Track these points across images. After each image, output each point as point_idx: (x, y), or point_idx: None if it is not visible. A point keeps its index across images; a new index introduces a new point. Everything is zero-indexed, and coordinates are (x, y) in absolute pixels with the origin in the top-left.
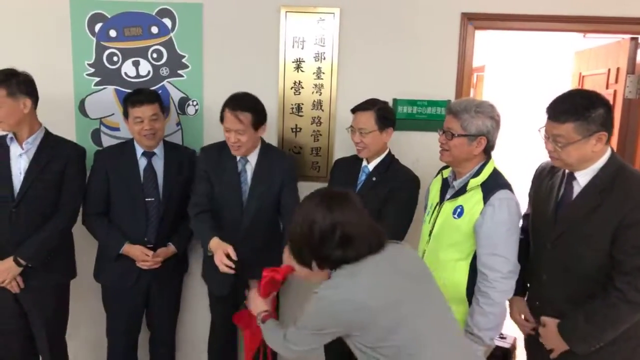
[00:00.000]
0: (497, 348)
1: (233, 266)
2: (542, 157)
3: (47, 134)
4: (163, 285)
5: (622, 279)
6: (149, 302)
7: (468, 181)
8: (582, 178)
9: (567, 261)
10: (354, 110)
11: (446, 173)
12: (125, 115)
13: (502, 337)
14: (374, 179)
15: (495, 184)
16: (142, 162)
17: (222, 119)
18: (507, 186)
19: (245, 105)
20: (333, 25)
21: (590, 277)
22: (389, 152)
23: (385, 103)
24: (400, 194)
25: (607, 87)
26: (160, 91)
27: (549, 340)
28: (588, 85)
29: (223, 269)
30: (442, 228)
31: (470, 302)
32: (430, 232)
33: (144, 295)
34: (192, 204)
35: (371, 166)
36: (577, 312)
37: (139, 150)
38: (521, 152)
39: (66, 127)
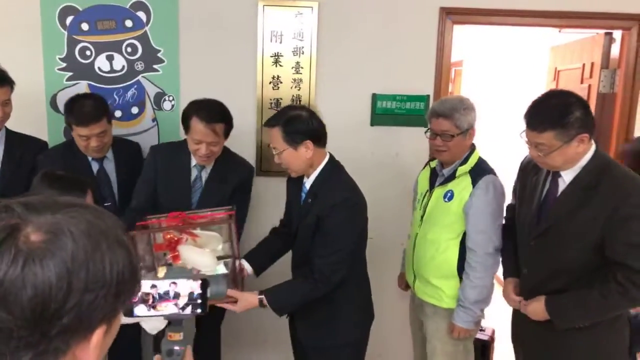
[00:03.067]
0: (477, 340)
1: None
2: (519, 150)
3: (6, 129)
4: None
5: (624, 274)
6: None
7: (457, 168)
8: (567, 175)
9: (548, 257)
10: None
11: (434, 164)
12: (68, 124)
13: (481, 330)
14: (309, 200)
15: (482, 170)
16: (95, 166)
17: (187, 129)
18: (492, 172)
19: (218, 116)
20: (311, 19)
21: (571, 273)
22: (327, 164)
23: (296, 111)
24: (327, 221)
25: (581, 82)
26: (135, 86)
27: (532, 312)
28: (563, 80)
29: None
30: (434, 211)
31: (460, 278)
32: (422, 217)
33: None
34: (130, 208)
35: (308, 184)
36: (569, 293)
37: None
38: (499, 145)
39: (37, 124)
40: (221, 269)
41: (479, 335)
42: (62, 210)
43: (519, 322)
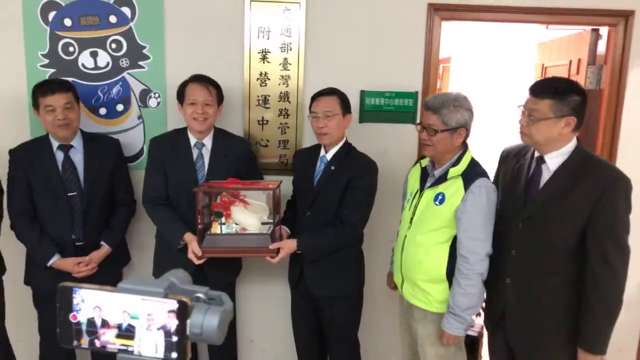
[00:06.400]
0: (466, 336)
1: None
2: (506, 144)
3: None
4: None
5: (602, 261)
6: None
7: (448, 170)
8: (551, 161)
9: (537, 239)
10: (317, 96)
11: (424, 162)
12: (35, 106)
13: (470, 326)
14: (332, 168)
15: (475, 172)
16: (60, 156)
17: (182, 96)
18: (485, 174)
19: (211, 80)
20: (299, 15)
21: (559, 251)
22: (347, 141)
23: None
24: (358, 182)
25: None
26: (120, 83)
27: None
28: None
29: (197, 262)
30: (424, 214)
31: (449, 282)
32: (412, 219)
33: None
34: (149, 197)
35: (329, 155)
36: (581, 318)
37: (55, 144)
38: (487, 140)
39: (20, 123)
40: (264, 231)
41: (468, 332)
42: None
43: (500, 308)
